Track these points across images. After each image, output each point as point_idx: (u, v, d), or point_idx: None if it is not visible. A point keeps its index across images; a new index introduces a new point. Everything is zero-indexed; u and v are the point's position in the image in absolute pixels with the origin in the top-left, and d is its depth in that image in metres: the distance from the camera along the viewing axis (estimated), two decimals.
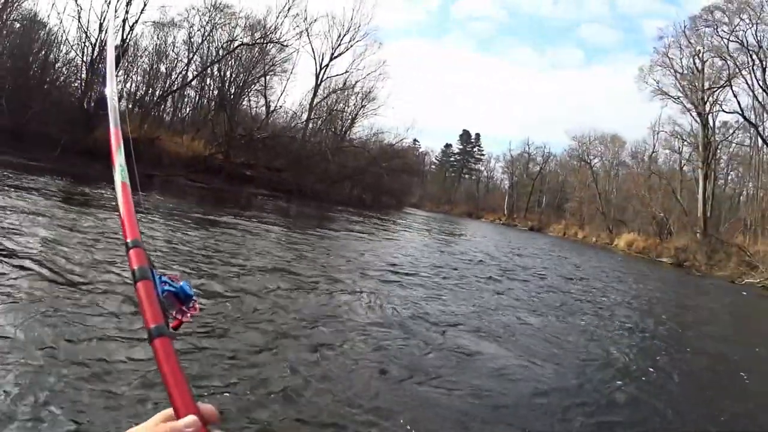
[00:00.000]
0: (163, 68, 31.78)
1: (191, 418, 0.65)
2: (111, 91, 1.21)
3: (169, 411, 0.68)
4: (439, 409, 4.44)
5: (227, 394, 3.90)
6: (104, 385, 3.62)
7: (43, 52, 24.30)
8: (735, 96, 33.52)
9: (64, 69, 25.01)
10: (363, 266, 11.15)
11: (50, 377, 3.57)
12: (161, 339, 0.71)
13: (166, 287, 0.80)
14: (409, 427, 3.98)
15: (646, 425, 4.91)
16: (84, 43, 24.25)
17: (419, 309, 7.87)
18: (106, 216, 10.62)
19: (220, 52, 31.88)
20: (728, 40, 32.18)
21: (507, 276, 14.10)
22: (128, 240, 0.83)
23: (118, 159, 1.00)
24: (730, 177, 45.17)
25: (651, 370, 6.79)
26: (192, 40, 31.53)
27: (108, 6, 23.46)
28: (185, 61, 31.53)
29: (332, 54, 40.76)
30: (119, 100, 29.74)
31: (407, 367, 5.25)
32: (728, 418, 5.44)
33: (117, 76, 25.04)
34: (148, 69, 31.69)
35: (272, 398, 3.99)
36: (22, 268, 5.92)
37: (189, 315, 0.81)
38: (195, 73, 32.10)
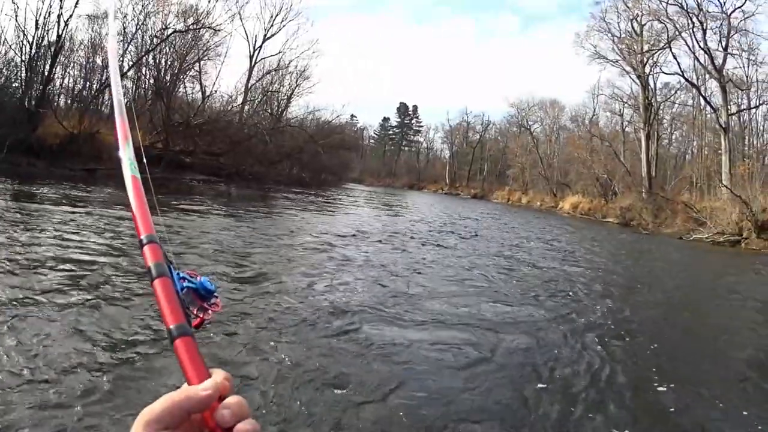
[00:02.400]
0: (99, 61, 31.15)
1: (208, 381, 0.62)
2: (116, 84, 1.14)
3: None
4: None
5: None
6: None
7: None
8: (675, 58, 34.35)
9: (4, 69, 24.40)
10: (300, 239, 12.16)
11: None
12: (184, 338, 0.66)
13: (186, 284, 0.75)
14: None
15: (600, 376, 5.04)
16: (22, 41, 23.85)
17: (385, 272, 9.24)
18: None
19: (154, 40, 31.51)
20: (667, 3, 32.60)
21: (457, 240, 15.43)
22: (142, 236, 0.78)
23: (127, 152, 0.96)
24: (674, 136, 47.21)
25: (608, 322, 7.21)
26: (126, 30, 30.71)
27: (43, 3, 23.45)
28: (120, 52, 30.44)
29: (265, 35, 41.27)
30: (58, 96, 29.30)
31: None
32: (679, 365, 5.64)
33: (54, 72, 25.96)
34: (84, 63, 31.61)
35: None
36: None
37: (210, 312, 0.76)
38: (130, 63, 31.20)
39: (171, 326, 0.67)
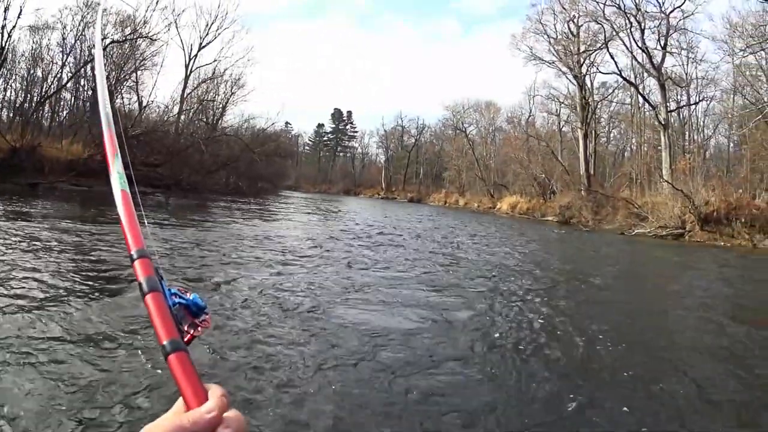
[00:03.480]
0: (39, 72, 31.46)
1: (211, 403, 0.63)
2: (103, 97, 1.16)
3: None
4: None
5: None
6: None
7: None
8: (612, 57, 34.71)
9: None
10: (246, 246, 11.65)
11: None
12: (178, 354, 0.66)
13: (177, 299, 0.76)
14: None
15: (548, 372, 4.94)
16: None
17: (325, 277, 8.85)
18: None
19: (92, 51, 30.15)
20: (604, 4, 32.93)
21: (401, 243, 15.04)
22: (133, 250, 0.79)
23: (116, 166, 0.96)
24: (612, 134, 48.29)
25: (553, 316, 7.09)
26: (66, 41, 31.34)
27: None
28: (60, 63, 31.26)
29: (200, 44, 40.59)
30: (0, 109, 30.14)
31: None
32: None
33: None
34: (25, 75, 31.68)
35: None
36: None
37: (200, 329, 0.76)
38: (70, 75, 31.51)
39: (165, 342, 0.67)
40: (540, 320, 6.67)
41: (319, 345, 5.13)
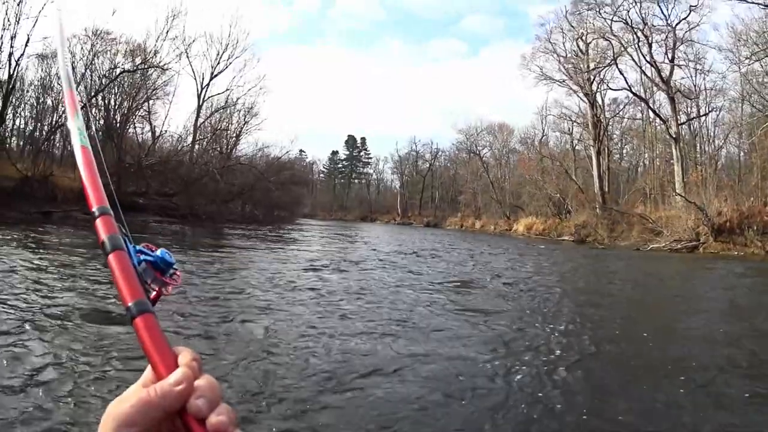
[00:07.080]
0: (49, 101, 31.26)
1: (180, 373, 0.58)
2: (63, 55, 1.10)
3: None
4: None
5: None
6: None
7: None
8: (622, 73, 35.39)
9: None
10: (268, 273, 11.15)
11: None
12: (144, 316, 0.62)
13: (143, 257, 0.71)
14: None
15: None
16: None
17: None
18: None
19: (103, 80, 31.65)
20: (611, 20, 33.69)
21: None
22: (94, 208, 0.74)
23: (76, 122, 0.90)
24: (625, 150, 48.20)
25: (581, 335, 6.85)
26: (75, 69, 31.28)
27: None
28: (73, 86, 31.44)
29: (212, 73, 41.14)
30: (10, 137, 30.70)
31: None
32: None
33: (6, 113, 26.28)
34: (35, 104, 31.87)
35: None
36: None
37: (170, 287, 0.73)
38: (80, 103, 30.61)
39: (130, 303, 0.63)
40: (557, 335, 6.62)
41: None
